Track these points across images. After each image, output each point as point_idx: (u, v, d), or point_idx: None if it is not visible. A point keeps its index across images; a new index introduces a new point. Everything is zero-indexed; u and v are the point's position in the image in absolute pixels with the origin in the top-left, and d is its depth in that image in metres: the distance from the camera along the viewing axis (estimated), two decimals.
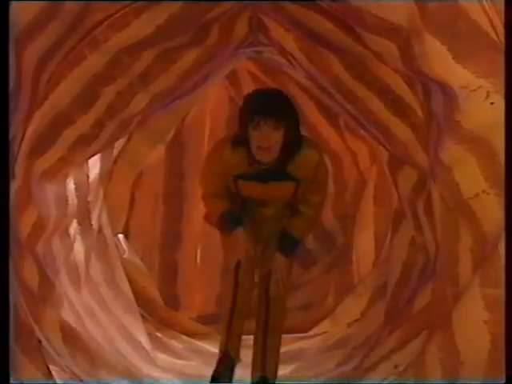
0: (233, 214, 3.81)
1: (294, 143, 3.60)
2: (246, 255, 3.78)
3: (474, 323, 2.71)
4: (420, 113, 3.38)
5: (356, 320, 4.77)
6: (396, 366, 3.50)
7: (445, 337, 2.89)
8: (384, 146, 4.04)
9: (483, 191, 2.71)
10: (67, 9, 2.60)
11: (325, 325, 5.02)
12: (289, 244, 3.83)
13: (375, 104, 3.72)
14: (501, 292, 2.55)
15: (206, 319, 5.34)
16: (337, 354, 4.40)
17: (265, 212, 3.89)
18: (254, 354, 3.80)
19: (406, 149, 3.68)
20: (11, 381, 2.51)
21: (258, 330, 3.85)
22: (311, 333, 4.96)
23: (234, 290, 3.77)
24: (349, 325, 4.81)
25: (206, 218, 4.04)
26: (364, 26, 2.84)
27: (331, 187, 5.45)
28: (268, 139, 3.51)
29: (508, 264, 2.26)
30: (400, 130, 3.66)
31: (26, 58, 2.52)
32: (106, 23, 3.21)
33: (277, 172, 3.67)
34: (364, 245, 5.12)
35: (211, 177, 3.82)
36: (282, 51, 4.11)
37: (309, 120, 5.33)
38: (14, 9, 2.22)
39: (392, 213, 4.40)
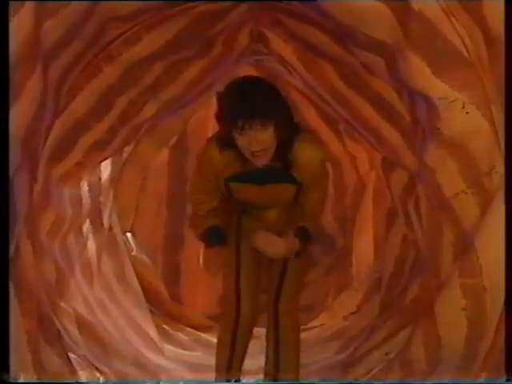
0: (216, 230, 3.37)
1: (288, 136, 3.11)
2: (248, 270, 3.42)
3: (453, 310, 2.89)
4: (408, 119, 3.47)
5: (352, 313, 4.91)
6: (387, 354, 3.70)
7: (428, 323, 3.05)
8: (376, 149, 4.18)
9: (462, 191, 2.88)
10: (87, 29, 2.84)
11: (323, 318, 5.15)
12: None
13: (368, 110, 3.85)
14: (476, 281, 2.76)
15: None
16: (334, 344, 4.57)
17: (267, 216, 3.44)
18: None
19: (396, 152, 3.81)
20: (11, 380, 2.53)
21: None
22: (310, 325, 5.05)
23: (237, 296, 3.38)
24: (345, 317, 4.94)
25: (191, 225, 3.66)
26: (355, 43, 3.03)
27: (331, 190, 5.49)
28: (259, 143, 3.02)
29: (508, 264, 2.35)
30: (390, 134, 3.78)
31: (50, 74, 2.73)
32: (120, 39, 3.41)
33: (274, 171, 3.19)
34: (363, 247, 5.14)
35: (201, 181, 3.36)
36: (281, 61, 4.28)
37: (309, 124, 5.31)
38: (44, 31, 2.46)
39: (386, 212, 4.55)
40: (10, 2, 2.18)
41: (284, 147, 3.11)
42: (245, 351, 3.45)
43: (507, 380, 2.36)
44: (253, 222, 3.44)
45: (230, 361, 3.39)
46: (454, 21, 2.43)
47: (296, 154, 3.13)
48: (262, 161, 3.09)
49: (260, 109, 2.96)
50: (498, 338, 2.60)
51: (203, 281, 5.58)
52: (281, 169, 3.17)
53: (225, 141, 3.14)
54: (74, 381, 3.21)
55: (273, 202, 3.35)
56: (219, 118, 3.11)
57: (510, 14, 2.03)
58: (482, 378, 2.59)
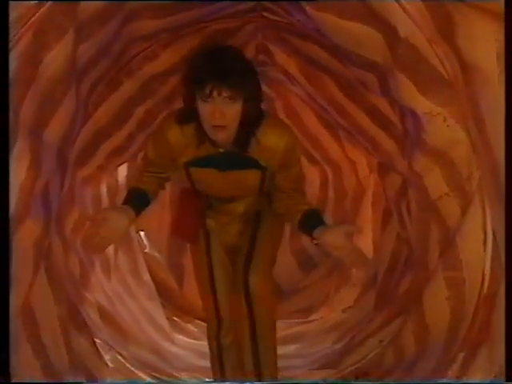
0: (140, 193, 2.98)
1: (253, 119, 2.79)
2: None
3: (438, 300, 3.08)
4: (400, 128, 3.62)
5: (349, 307, 5.03)
6: (381, 341, 3.89)
7: (417, 313, 3.27)
8: (372, 155, 4.45)
9: (445, 194, 3.10)
10: (114, 48, 3.18)
11: (322, 311, 5.30)
12: (315, 219, 2.94)
13: (364, 119, 4.10)
14: (457, 274, 2.99)
15: None
16: (332, 335, 4.73)
17: (234, 208, 3.15)
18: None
19: (390, 157, 4.06)
20: (13, 380, 2.56)
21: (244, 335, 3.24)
22: (310, 318, 5.23)
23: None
24: (343, 311, 5.07)
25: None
26: (351, 61, 3.31)
27: (331, 195, 5.72)
28: (223, 115, 2.65)
29: (508, 264, 2.35)
30: (385, 141, 4.04)
31: (81, 89, 3.06)
32: (140, 56, 3.71)
33: (236, 156, 2.87)
34: (363, 249, 5.25)
35: (154, 159, 2.98)
36: (285, 72, 4.53)
37: (310, 130, 5.51)
38: (79, 53, 2.81)
39: (381, 212, 4.68)
40: (10, 2, 2.18)
41: (247, 131, 2.79)
42: (240, 350, 3.28)
43: (507, 380, 2.33)
44: (220, 218, 3.19)
45: (221, 366, 3.32)
46: (434, 47, 2.71)
47: (260, 139, 2.82)
48: (222, 136, 2.75)
49: (233, 77, 2.62)
50: (474, 323, 2.85)
51: None
52: (243, 154, 2.86)
53: (185, 113, 2.79)
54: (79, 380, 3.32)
55: (237, 189, 3.04)
56: (186, 81, 2.74)
57: (510, 17, 2.06)
58: (460, 357, 2.85)
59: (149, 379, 3.86)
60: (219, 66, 2.63)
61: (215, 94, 2.62)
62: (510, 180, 2.20)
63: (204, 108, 2.66)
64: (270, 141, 2.83)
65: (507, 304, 2.34)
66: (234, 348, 3.29)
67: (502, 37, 2.09)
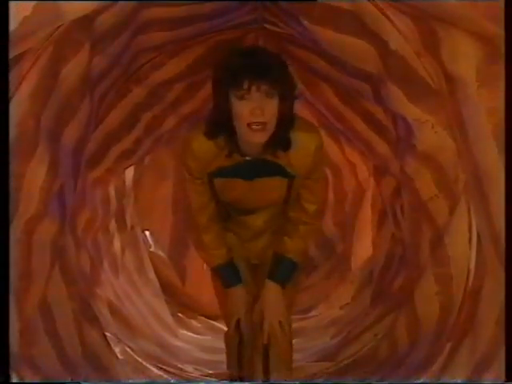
0: (230, 269, 3.05)
1: (287, 121, 2.65)
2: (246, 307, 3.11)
3: (428, 295, 3.23)
4: (394, 133, 3.71)
5: (347, 303, 5.22)
6: (375, 335, 4.05)
7: (410, 308, 3.42)
8: (368, 158, 4.62)
9: (435, 195, 3.25)
10: (124, 59, 3.38)
11: (321, 308, 5.48)
12: (284, 270, 2.99)
13: (360, 124, 4.27)
14: (445, 270, 3.16)
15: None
16: (330, 330, 4.91)
17: (253, 222, 3.05)
18: None
19: (385, 160, 4.21)
20: (13, 380, 2.56)
21: None
22: (309, 314, 5.37)
23: (239, 356, 3.15)
24: (341, 307, 5.25)
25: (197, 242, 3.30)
26: (346, 72, 3.50)
27: (331, 196, 5.77)
28: (262, 112, 2.53)
29: (508, 264, 2.38)
30: (380, 145, 4.19)
31: (94, 97, 3.24)
32: (147, 64, 3.89)
33: (264, 163, 2.76)
34: (362, 251, 5.24)
35: (192, 179, 2.90)
36: None
37: None
38: (93, 65, 3.01)
39: (377, 213, 4.83)
40: (10, 2, 2.19)
41: (281, 132, 2.67)
42: (256, 353, 3.18)
43: (507, 380, 2.34)
44: (240, 232, 3.13)
45: (240, 367, 3.24)
46: (422, 60, 2.89)
47: (291, 141, 2.73)
48: (260, 138, 2.61)
49: (270, 71, 2.54)
50: (460, 315, 3.03)
51: (207, 284, 5.71)
52: (270, 160, 2.76)
53: (213, 123, 2.70)
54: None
55: (262, 199, 2.93)
56: (219, 83, 2.63)
57: (510, 17, 2.08)
58: (447, 347, 2.99)
59: (156, 370, 4.04)
60: (255, 62, 2.55)
61: (254, 89, 2.52)
62: (510, 181, 2.30)
63: (241, 107, 2.55)
64: (300, 143, 2.72)
65: (507, 304, 2.39)
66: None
67: (480, 53, 2.29)
